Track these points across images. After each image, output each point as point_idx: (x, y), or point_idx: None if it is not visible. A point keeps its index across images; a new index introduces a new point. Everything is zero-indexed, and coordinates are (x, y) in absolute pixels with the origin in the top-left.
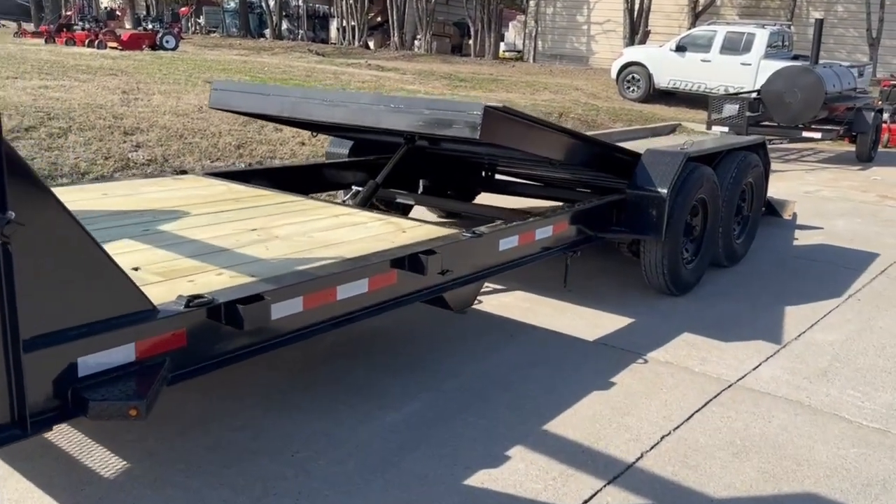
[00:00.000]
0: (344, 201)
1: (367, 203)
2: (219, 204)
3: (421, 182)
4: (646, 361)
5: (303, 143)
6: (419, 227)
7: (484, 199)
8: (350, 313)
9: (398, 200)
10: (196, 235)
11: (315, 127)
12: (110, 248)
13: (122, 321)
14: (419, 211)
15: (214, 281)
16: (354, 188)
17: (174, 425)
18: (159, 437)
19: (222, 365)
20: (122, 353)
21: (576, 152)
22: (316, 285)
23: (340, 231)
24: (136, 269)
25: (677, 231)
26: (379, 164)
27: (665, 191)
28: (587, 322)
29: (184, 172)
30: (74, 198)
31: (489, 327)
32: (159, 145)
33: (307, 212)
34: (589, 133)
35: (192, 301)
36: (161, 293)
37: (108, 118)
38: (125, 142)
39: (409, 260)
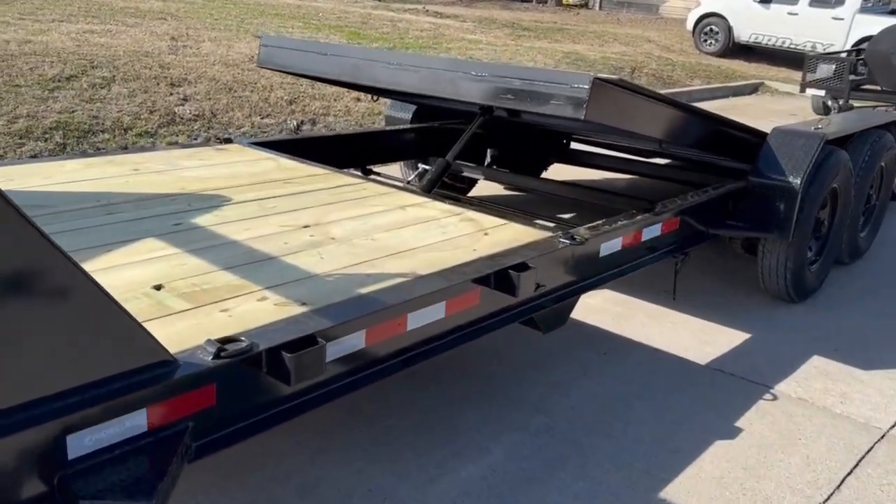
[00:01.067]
0: (408, 182)
1: (434, 186)
2: (265, 187)
3: (489, 152)
4: (774, 398)
5: (358, 100)
6: (503, 226)
7: (556, 170)
8: (422, 346)
9: (464, 174)
10: (237, 234)
11: (377, 90)
12: (132, 250)
13: (129, 381)
14: (482, 186)
15: (255, 310)
16: (421, 167)
17: (204, 475)
18: (186, 489)
19: (263, 428)
20: (129, 424)
21: (693, 132)
22: (383, 315)
23: (409, 232)
24: (158, 287)
25: (806, 228)
26: (446, 133)
27: (798, 181)
28: (693, 335)
29: (228, 141)
30: (102, 172)
31: (576, 341)
32: (207, 99)
33: (368, 200)
34: (665, 91)
35: (224, 349)
36: (186, 330)
37: (154, 67)
38: (171, 94)
39: (497, 277)
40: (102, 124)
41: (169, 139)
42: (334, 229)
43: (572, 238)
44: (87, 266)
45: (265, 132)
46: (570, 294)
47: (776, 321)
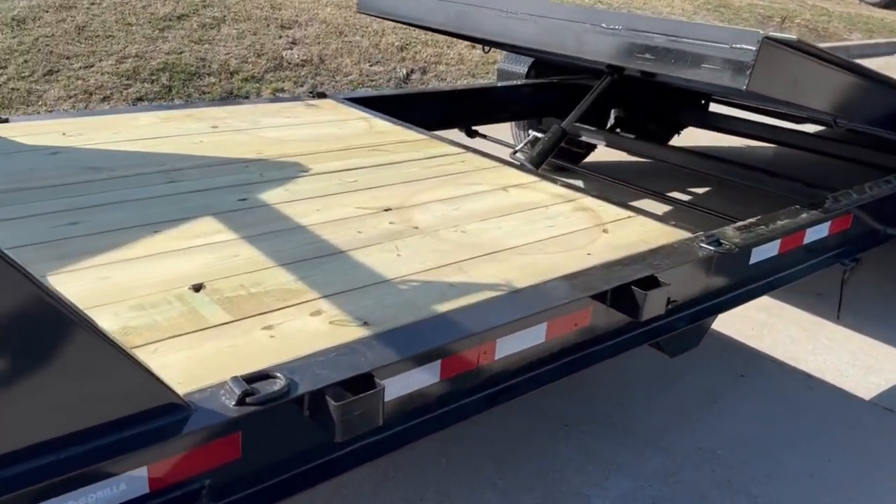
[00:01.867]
0: (516, 151)
1: (545, 159)
2: (350, 154)
3: (612, 112)
4: None
5: (473, 47)
6: (628, 220)
7: (690, 135)
8: (512, 377)
9: (582, 139)
10: (306, 216)
11: (487, 42)
12: (183, 231)
13: (122, 435)
14: (601, 152)
15: (305, 330)
16: (532, 133)
17: None
18: None
19: (303, 486)
20: (124, 486)
21: (882, 107)
22: (465, 343)
23: (509, 222)
24: (198, 287)
25: None
26: (567, 90)
27: None
28: (854, 357)
29: (321, 95)
30: (177, 128)
31: (707, 357)
32: (316, 43)
33: (465, 177)
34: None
35: (253, 391)
36: (215, 355)
37: (265, 8)
38: (281, 37)
39: (616, 294)
40: (209, 67)
41: (275, 85)
42: (419, 215)
43: (718, 243)
44: (127, 251)
45: (373, 81)
46: (708, 313)
47: None
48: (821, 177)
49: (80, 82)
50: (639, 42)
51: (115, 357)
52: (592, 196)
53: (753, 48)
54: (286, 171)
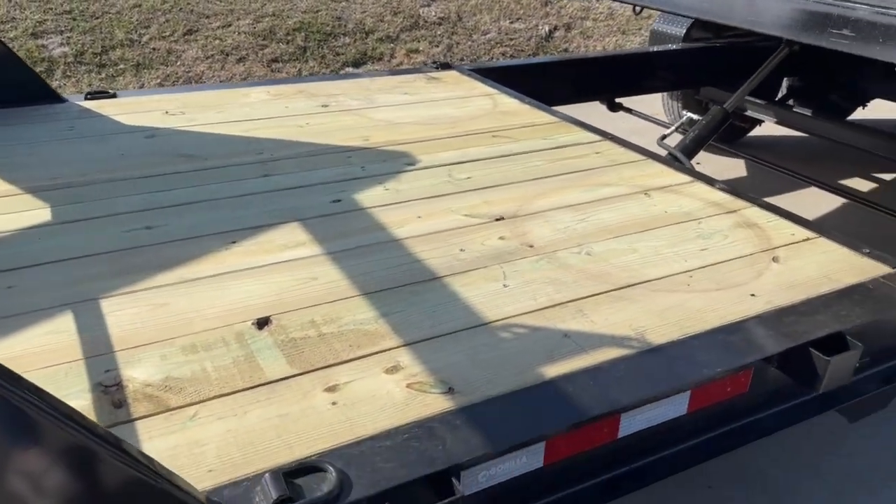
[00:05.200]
0: (665, 137)
1: (701, 147)
2: (468, 141)
3: (785, 81)
4: None
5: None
6: (806, 244)
7: (877, 108)
8: (641, 459)
9: (748, 113)
10: (405, 224)
11: (640, 2)
12: (264, 243)
13: None
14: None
15: (375, 395)
16: (686, 114)
17: None
18: None
19: None
20: None
21: None
22: (580, 423)
23: (648, 242)
24: (262, 322)
25: None
26: (732, 56)
27: None
28: None
29: (446, 66)
30: (285, 107)
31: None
32: None
33: (598, 174)
34: None
35: (289, 496)
36: (260, 429)
37: None
38: None
39: (786, 358)
40: (345, 27)
41: (409, 45)
42: (537, 228)
43: None
44: (195, 268)
45: (512, 39)
46: None
47: None
48: None
49: (217, 42)
50: (834, 13)
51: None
52: (759, 206)
53: None
54: (391, 163)
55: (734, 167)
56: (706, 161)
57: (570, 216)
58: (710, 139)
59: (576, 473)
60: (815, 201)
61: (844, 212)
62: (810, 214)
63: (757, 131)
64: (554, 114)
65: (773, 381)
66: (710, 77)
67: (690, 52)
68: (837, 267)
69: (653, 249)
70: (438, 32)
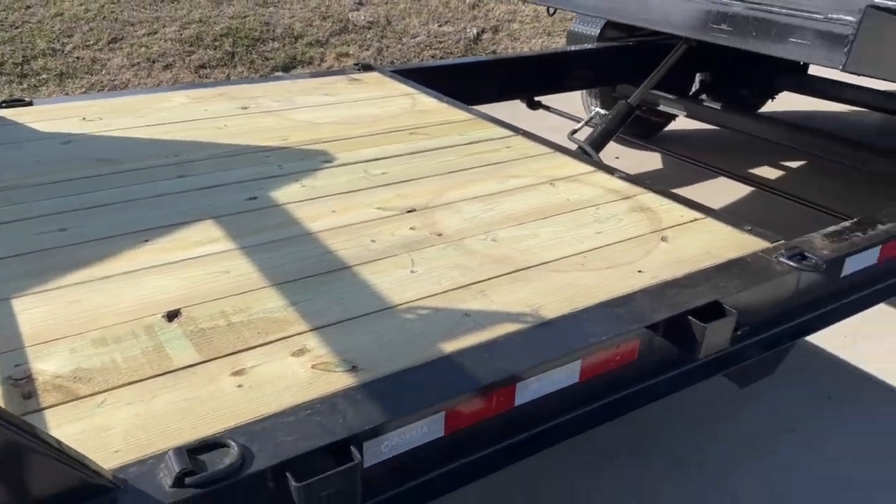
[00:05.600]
0: (575, 132)
1: (608, 139)
2: (385, 139)
3: (697, 76)
4: None
5: None
6: (693, 224)
7: (785, 100)
8: (538, 425)
9: (661, 108)
10: (319, 219)
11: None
12: (176, 240)
13: None
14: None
15: (281, 376)
16: (595, 110)
17: None
18: None
19: None
20: None
21: None
22: (474, 394)
23: (548, 228)
24: (172, 315)
25: None
26: (644, 53)
27: None
28: None
29: (368, 68)
30: (205, 110)
31: (788, 374)
32: (384, 3)
33: (508, 167)
34: None
35: (191, 470)
36: (167, 412)
37: None
38: None
39: (669, 326)
40: (273, 32)
41: (339, 49)
42: (447, 218)
43: (801, 256)
44: (108, 266)
45: (441, 42)
46: (787, 339)
47: None
48: None
49: (142, 49)
50: (713, 10)
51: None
52: (654, 192)
53: (853, 19)
54: (309, 161)
55: (652, 160)
56: (626, 156)
57: (479, 206)
58: (617, 132)
59: (476, 442)
60: (725, 189)
61: (751, 198)
62: (718, 202)
63: (679, 126)
64: (470, 111)
65: (660, 350)
66: (623, 74)
67: (604, 52)
68: (720, 244)
69: (552, 234)
70: (368, 36)
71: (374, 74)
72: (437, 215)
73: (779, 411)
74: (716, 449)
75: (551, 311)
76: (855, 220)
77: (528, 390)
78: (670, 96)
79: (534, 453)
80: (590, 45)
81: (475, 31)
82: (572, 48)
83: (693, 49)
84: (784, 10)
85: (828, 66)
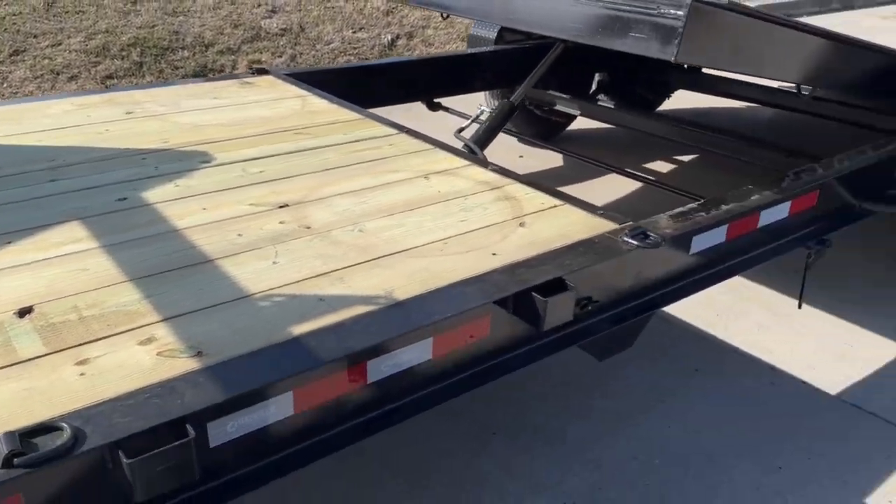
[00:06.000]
0: (461, 130)
1: (493, 136)
2: (269, 140)
3: (596, 77)
4: None
5: None
6: (551, 211)
7: (681, 98)
8: (394, 401)
9: (558, 108)
10: (188, 216)
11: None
12: (37, 242)
13: None
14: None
15: (125, 364)
16: (481, 108)
17: None
18: None
19: None
20: None
21: (849, 71)
22: (320, 371)
23: (416, 218)
24: (24, 311)
25: None
26: (537, 55)
27: None
28: (824, 343)
29: (262, 72)
30: (91, 117)
31: (659, 350)
32: (297, 10)
33: (387, 163)
34: None
35: (21, 451)
36: (6, 401)
37: None
38: (259, 5)
39: (518, 301)
40: (183, 41)
41: (251, 57)
42: (318, 211)
43: (644, 236)
44: None
45: (356, 48)
46: (637, 312)
47: None
48: (823, 143)
49: (46, 61)
50: (564, 8)
51: None
52: (521, 182)
53: (682, 13)
54: (186, 162)
55: (556, 158)
56: (530, 154)
57: (352, 200)
58: (500, 129)
59: (331, 418)
60: (618, 184)
61: (642, 193)
62: (607, 195)
63: (589, 125)
64: (359, 112)
65: (513, 327)
66: (520, 75)
67: (501, 54)
68: (573, 228)
69: (418, 224)
70: (281, 43)
71: (268, 78)
72: (309, 210)
73: (648, 385)
74: (585, 422)
75: (404, 293)
76: (702, 201)
77: (382, 367)
78: (565, 96)
79: (389, 426)
80: (488, 48)
81: (390, 37)
82: (471, 51)
83: (571, 49)
84: (625, 6)
85: (662, 58)
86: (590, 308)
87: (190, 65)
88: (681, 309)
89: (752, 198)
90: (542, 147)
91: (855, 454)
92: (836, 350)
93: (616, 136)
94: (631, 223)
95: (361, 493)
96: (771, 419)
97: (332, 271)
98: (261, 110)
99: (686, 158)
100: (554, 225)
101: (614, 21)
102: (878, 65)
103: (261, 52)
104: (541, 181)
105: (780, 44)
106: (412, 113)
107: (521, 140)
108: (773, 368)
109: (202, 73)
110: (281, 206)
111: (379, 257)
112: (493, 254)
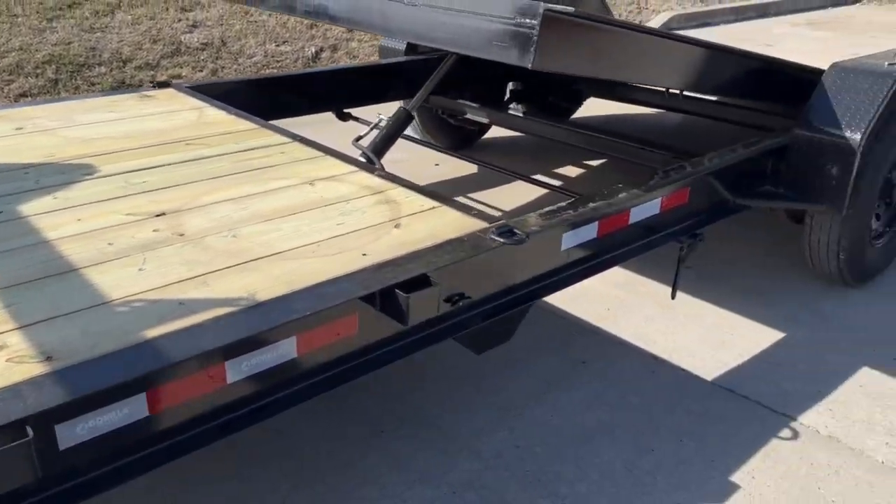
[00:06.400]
0: (359, 139)
1: (389, 143)
2: (159, 151)
3: (510, 87)
4: (795, 435)
5: None
6: (427, 213)
7: (593, 106)
8: (258, 400)
9: (469, 116)
10: (61, 227)
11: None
12: None
13: None
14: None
15: None
16: (380, 116)
17: None
18: None
19: None
20: None
21: (707, 74)
22: (180, 369)
23: (293, 223)
24: None
25: (869, 198)
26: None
27: (857, 135)
28: (706, 334)
29: (164, 85)
30: None
31: (551, 342)
32: (219, 25)
33: (274, 171)
34: (753, 2)
35: None
36: None
37: None
38: (180, 20)
39: (383, 298)
40: (100, 57)
41: (171, 72)
42: (195, 219)
43: (510, 233)
44: None
45: (279, 61)
46: (509, 307)
47: (822, 314)
48: (720, 144)
49: None
50: (433, 18)
51: None
52: (404, 186)
53: (535, 21)
54: (68, 175)
55: (469, 165)
56: (444, 161)
57: (232, 207)
58: (397, 137)
59: (188, 419)
60: (525, 190)
61: (544, 197)
62: (515, 201)
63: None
64: (257, 122)
65: (382, 324)
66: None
67: (410, 64)
68: (446, 227)
69: (295, 228)
70: (202, 57)
71: (169, 91)
72: (185, 218)
73: (535, 377)
74: (471, 415)
75: (267, 294)
76: (573, 199)
77: (243, 367)
78: (474, 105)
79: (250, 425)
80: (397, 59)
81: (314, 49)
82: (381, 62)
83: (464, 59)
84: (488, 16)
85: (521, 65)
86: (460, 304)
87: (107, 81)
88: (574, 304)
89: (621, 196)
90: (453, 155)
91: (724, 435)
92: (717, 339)
93: (537, 142)
94: (500, 222)
95: (250, 489)
96: (648, 405)
97: (197, 276)
98: (156, 122)
99: (596, 163)
100: (428, 226)
101: (481, 32)
102: (739, 67)
103: (181, 67)
104: (438, 186)
105: (639, 50)
106: (337, 124)
107: (438, 149)
108: (655, 358)
109: (119, 90)
110: (158, 215)
111: (248, 261)
112: (364, 254)
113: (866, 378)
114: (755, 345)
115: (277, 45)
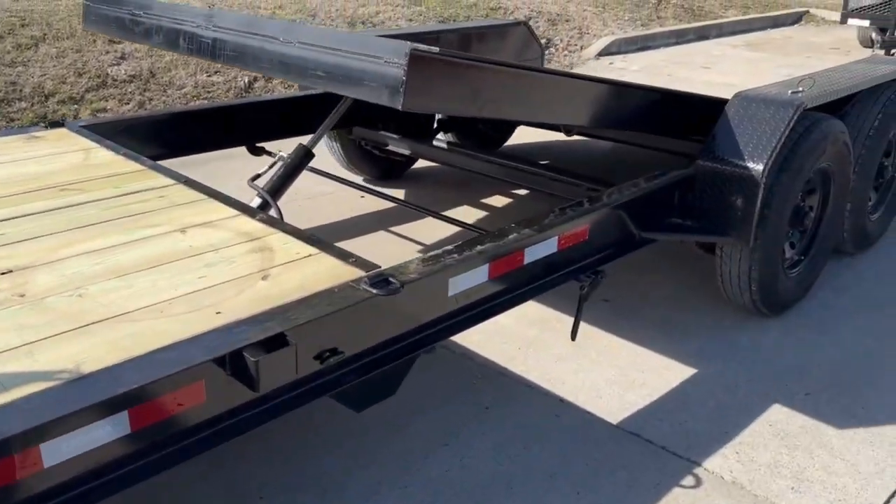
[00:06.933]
0: (255, 178)
1: (288, 182)
2: (27, 199)
3: (437, 116)
4: (697, 483)
5: None
6: (301, 262)
7: (524, 135)
8: (81, 485)
9: (390, 147)
10: None
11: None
12: None
13: None
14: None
15: None
16: (280, 153)
17: None
18: None
19: None
20: None
21: (606, 110)
22: None
23: (149, 277)
24: None
25: (777, 227)
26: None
27: (760, 166)
28: (617, 373)
29: (57, 124)
30: None
31: (457, 388)
32: (148, 56)
33: (146, 217)
34: (694, 25)
35: None
36: None
37: None
38: (107, 53)
39: (233, 361)
40: (20, 91)
41: (95, 105)
42: (42, 276)
43: (385, 283)
44: None
45: (210, 92)
46: (391, 359)
47: (738, 346)
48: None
49: None
50: (310, 57)
51: None
52: (285, 231)
53: (402, 61)
54: None
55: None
56: (371, 194)
57: (87, 261)
58: (296, 176)
59: None
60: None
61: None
62: (429, 237)
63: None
64: (145, 163)
65: (231, 387)
66: (352, 118)
67: (329, 96)
68: (318, 277)
69: (150, 283)
70: (129, 90)
71: (62, 131)
72: (33, 275)
73: (436, 426)
74: (365, 471)
75: (96, 363)
76: (459, 243)
77: (62, 448)
78: (395, 136)
79: None
80: (314, 91)
81: (247, 79)
82: (299, 94)
83: None
84: (360, 55)
85: (393, 106)
86: (331, 360)
87: (27, 116)
88: (483, 344)
89: (512, 236)
90: (365, 190)
91: (623, 485)
92: (627, 378)
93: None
94: (376, 270)
95: None
96: (549, 453)
97: (23, 345)
98: (33, 167)
99: (523, 193)
100: (299, 275)
101: (353, 71)
102: (640, 102)
103: (106, 100)
104: (358, 220)
105: (524, 88)
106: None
107: (366, 180)
108: (561, 401)
109: (5, 130)
110: (3, 273)
111: (87, 325)
112: (218, 312)
113: (775, 415)
114: (665, 383)
115: (209, 76)
